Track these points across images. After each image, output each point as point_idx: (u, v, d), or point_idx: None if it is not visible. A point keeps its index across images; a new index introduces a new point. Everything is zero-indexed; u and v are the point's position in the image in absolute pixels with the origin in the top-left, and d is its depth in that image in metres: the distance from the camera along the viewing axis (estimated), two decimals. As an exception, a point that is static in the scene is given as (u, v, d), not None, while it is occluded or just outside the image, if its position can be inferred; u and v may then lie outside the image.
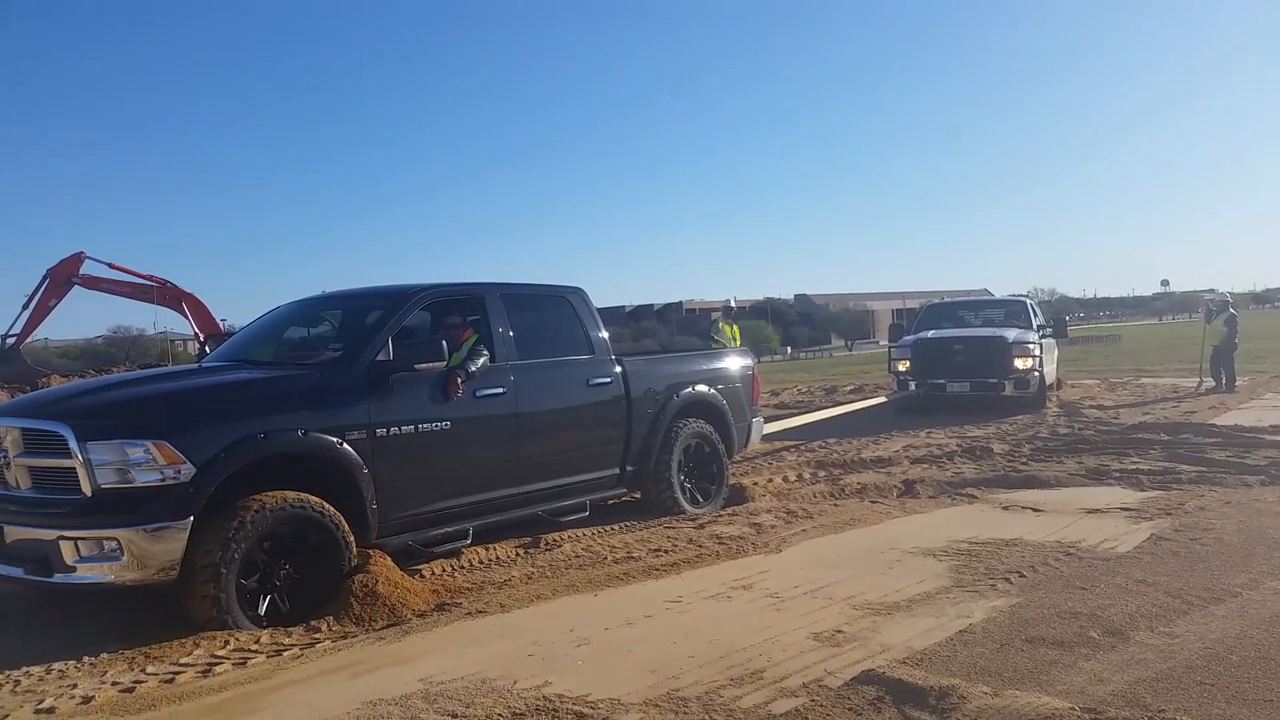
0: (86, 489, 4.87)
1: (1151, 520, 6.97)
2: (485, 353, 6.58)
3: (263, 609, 5.16)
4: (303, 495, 5.31)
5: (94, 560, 4.82)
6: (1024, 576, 5.59)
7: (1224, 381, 17.02)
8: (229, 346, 7.37)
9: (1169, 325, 70.03)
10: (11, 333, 29.96)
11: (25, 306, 29.68)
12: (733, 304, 16.34)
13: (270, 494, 5.19)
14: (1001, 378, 14.65)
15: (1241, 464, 9.15)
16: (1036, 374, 14.78)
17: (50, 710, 4.04)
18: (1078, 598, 5.13)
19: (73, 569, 4.83)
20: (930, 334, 16.05)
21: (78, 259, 29.89)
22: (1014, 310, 17.11)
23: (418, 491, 6.10)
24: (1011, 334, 15.11)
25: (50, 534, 4.87)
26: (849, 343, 65.45)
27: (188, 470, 4.93)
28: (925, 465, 10.19)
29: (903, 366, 15.63)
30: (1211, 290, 19.35)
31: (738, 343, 14.75)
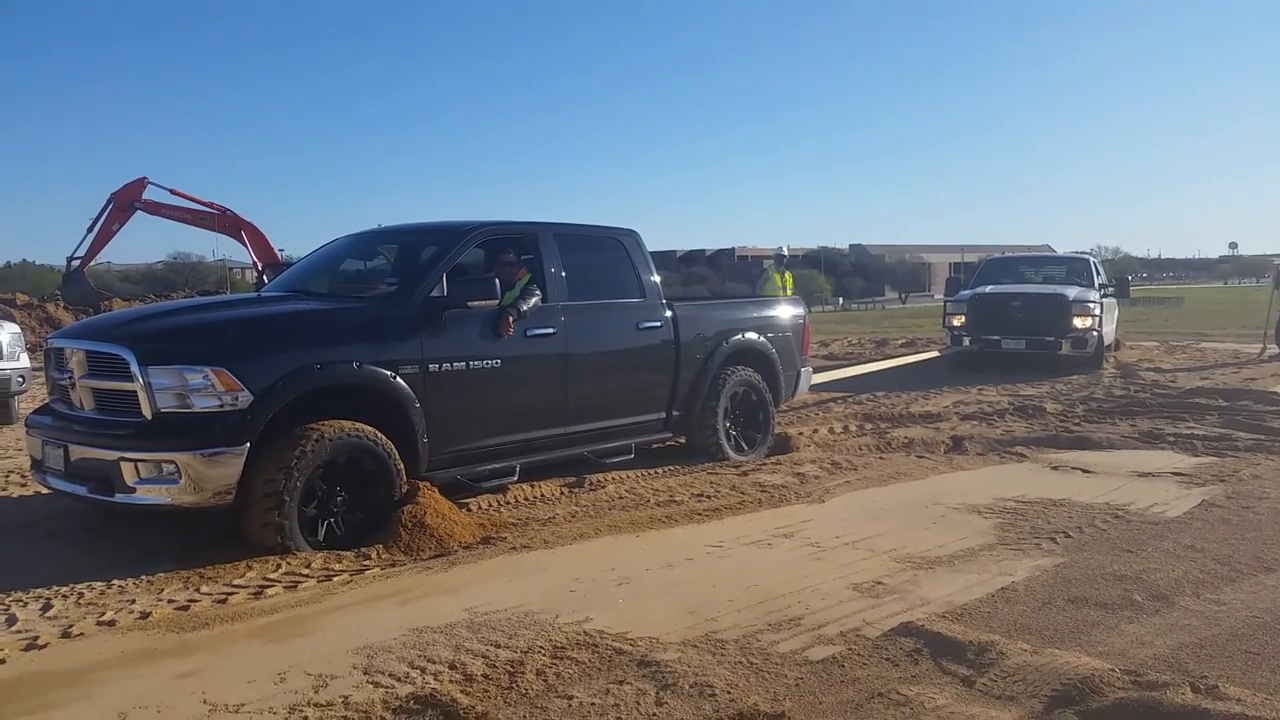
0: (147, 412, 5.01)
1: (1204, 486, 6.85)
2: (538, 292, 6.60)
3: (321, 534, 5.31)
4: (358, 425, 5.41)
5: (153, 482, 4.96)
6: (1070, 537, 5.54)
7: None
8: (286, 277, 7.48)
9: (1234, 289, 68.17)
10: (76, 255, 30.68)
11: (90, 230, 30.36)
12: (785, 252, 16.11)
13: (329, 423, 5.30)
14: (1059, 336, 14.39)
15: (1302, 433, 8.94)
16: (1095, 334, 14.50)
17: (111, 623, 4.20)
18: (1124, 560, 5.08)
19: (133, 490, 4.98)
20: (988, 289, 15.77)
21: (141, 184, 30.43)
22: (1076, 268, 16.74)
23: (467, 427, 6.18)
24: (1072, 292, 14.81)
25: (112, 455, 5.03)
26: (903, 295, 64.73)
27: (245, 398, 5.03)
28: (975, 422, 10.09)
29: (958, 321, 15.41)
30: (1283, 255, 18.78)
31: (789, 292, 14.60)
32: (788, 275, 15.27)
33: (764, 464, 7.83)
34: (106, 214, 30.34)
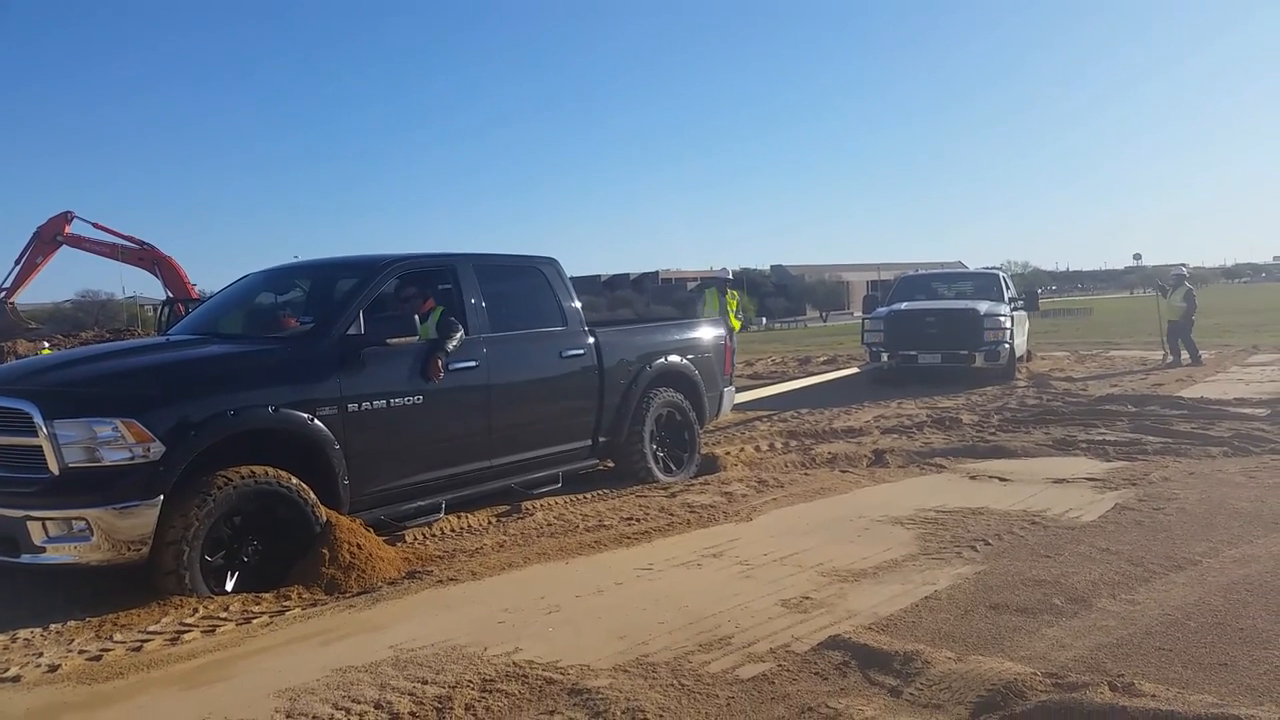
0: (54, 468, 4.79)
1: (1116, 490, 7.07)
2: (459, 327, 6.51)
3: (230, 585, 5.12)
4: (269, 470, 5.26)
5: (63, 540, 4.76)
6: (989, 544, 5.66)
7: (1181, 356, 17.11)
8: (196, 317, 7.26)
9: (1140, 299, 70.62)
10: (4, 286, 30.63)
11: (16, 263, 30.40)
12: (729, 274, 16.18)
13: (235, 470, 5.13)
14: (972, 350, 14.77)
15: (1206, 435, 9.28)
16: (1007, 346, 14.92)
17: (16, 679, 4.01)
18: (1042, 565, 5.21)
19: (41, 549, 4.77)
20: (904, 306, 16.14)
21: (65, 218, 30.28)
22: (986, 283, 17.20)
23: (390, 466, 6.08)
24: (983, 307, 15.22)
25: (17, 513, 4.80)
26: (824, 314, 65.79)
27: (157, 449, 4.86)
28: (895, 435, 10.27)
29: (876, 338, 15.71)
30: (1182, 264, 19.42)
31: (734, 313, 14.79)
32: (730, 295, 15.26)
33: (692, 484, 7.86)
34: (31, 248, 30.26)
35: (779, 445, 10.05)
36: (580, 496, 7.42)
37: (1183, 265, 19.43)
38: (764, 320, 58.60)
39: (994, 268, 20.61)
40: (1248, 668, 3.74)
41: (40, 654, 4.30)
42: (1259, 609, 4.40)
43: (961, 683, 3.63)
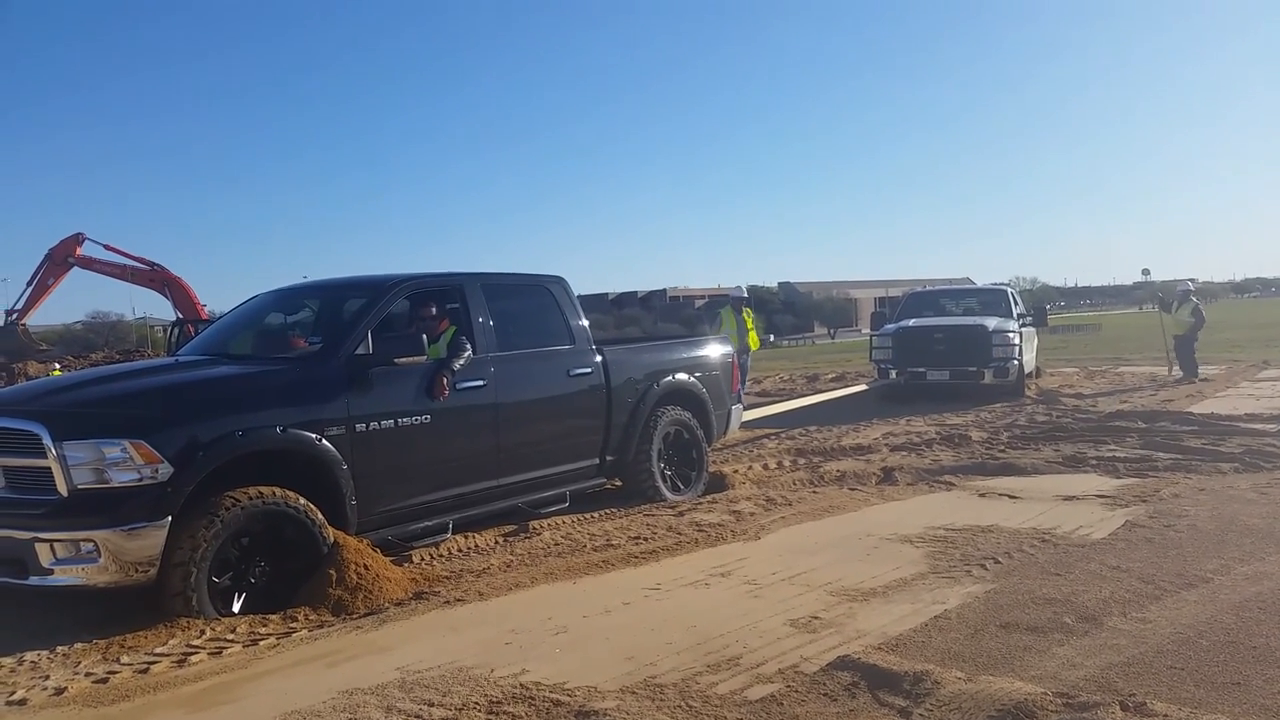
0: (62, 489, 4.80)
1: (1127, 507, 7.03)
2: (468, 347, 6.53)
3: (237, 607, 5.11)
4: (277, 490, 5.26)
5: (71, 562, 4.75)
6: (999, 563, 5.63)
7: (1187, 371, 17.03)
8: (205, 338, 7.29)
9: (1149, 314, 70.52)
10: (15, 308, 31.00)
11: (29, 284, 30.73)
12: (743, 292, 16.20)
13: (243, 490, 5.13)
14: (981, 366, 14.72)
15: (1216, 451, 9.23)
16: (1015, 362, 14.86)
17: (22, 702, 4.01)
18: (1052, 584, 5.18)
19: (50, 571, 4.77)
20: (912, 323, 16.10)
21: (76, 240, 30.61)
22: (995, 299, 17.17)
23: (398, 486, 6.07)
24: (992, 323, 15.17)
25: (25, 535, 4.80)
26: (832, 331, 65.82)
27: (165, 470, 4.86)
28: (904, 453, 10.23)
29: (884, 355, 15.68)
30: (1191, 279, 19.40)
31: (751, 331, 14.81)
32: (746, 313, 15.25)
33: (700, 503, 7.83)
34: (43, 270, 30.60)
35: (787, 463, 10.02)
36: (588, 516, 7.41)
37: (1189, 280, 19.39)
38: (771, 337, 58.78)
39: (1002, 284, 20.60)
40: (1261, 687, 3.71)
41: (47, 676, 4.29)
42: (1272, 627, 4.37)
43: (972, 703, 3.60)
